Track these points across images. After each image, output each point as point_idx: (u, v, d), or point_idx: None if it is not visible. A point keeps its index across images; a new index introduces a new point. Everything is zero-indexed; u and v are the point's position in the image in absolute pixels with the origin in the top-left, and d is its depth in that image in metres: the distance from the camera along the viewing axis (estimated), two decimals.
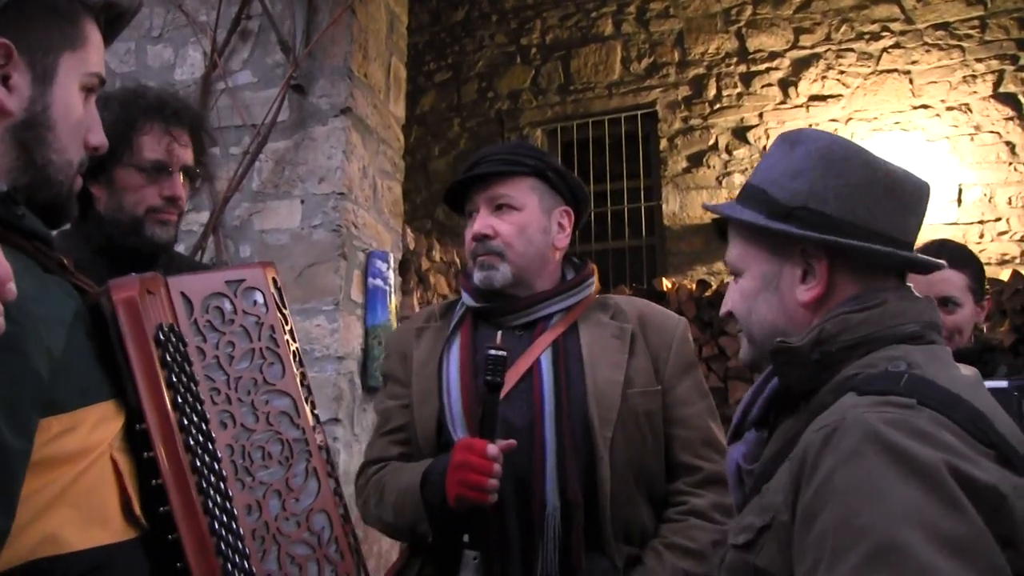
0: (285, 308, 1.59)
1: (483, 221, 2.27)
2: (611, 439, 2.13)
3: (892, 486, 1.14)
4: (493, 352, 2.02)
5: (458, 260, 6.44)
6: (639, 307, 2.37)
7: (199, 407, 1.36)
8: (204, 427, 1.35)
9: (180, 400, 1.32)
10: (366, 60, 4.87)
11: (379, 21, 5.06)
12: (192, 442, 1.32)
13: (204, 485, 1.31)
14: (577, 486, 2.10)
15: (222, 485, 1.35)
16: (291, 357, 1.56)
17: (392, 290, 4.86)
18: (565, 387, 2.17)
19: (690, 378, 2.30)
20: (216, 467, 1.35)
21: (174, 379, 1.32)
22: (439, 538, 2.13)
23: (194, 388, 1.36)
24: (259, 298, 1.54)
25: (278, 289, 1.59)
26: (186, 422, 1.32)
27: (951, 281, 2.90)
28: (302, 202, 4.61)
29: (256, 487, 1.42)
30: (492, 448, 1.98)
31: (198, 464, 1.31)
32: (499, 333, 2.11)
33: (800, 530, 1.23)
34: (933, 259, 1.52)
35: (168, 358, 1.32)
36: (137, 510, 1.24)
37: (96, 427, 1.20)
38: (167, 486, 1.27)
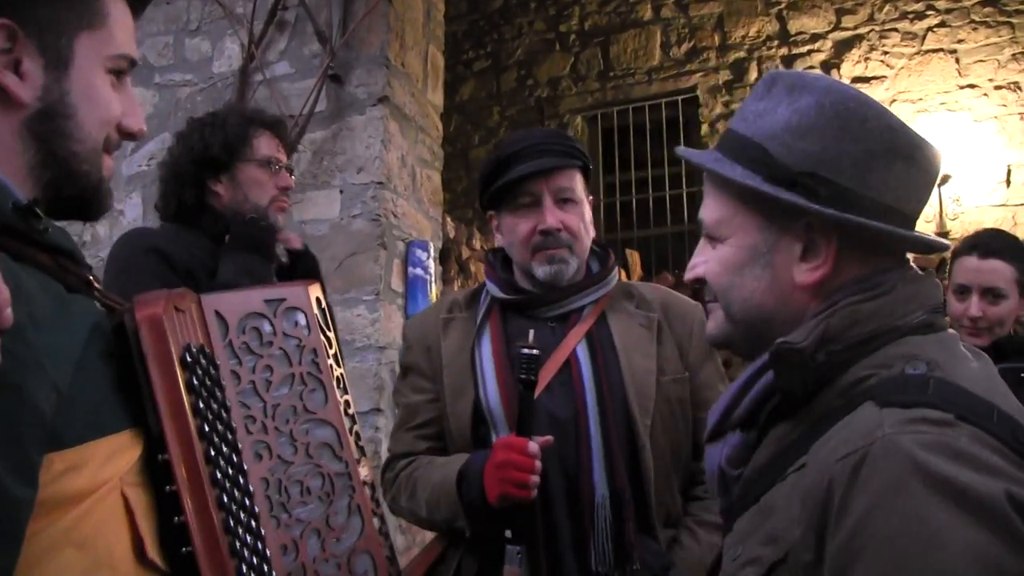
0: (330, 330, 1.49)
1: (554, 215, 2.24)
2: (650, 427, 2.17)
3: (946, 528, 0.98)
4: (526, 352, 2.02)
5: None
6: (660, 295, 2.41)
7: (230, 436, 1.24)
8: (235, 459, 1.24)
9: (208, 428, 1.20)
10: (403, 49, 4.86)
11: (415, 9, 5.05)
12: (220, 475, 1.19)
13: (232, 524, 1.18)
14: (624, 474, 2.13)
15: (253, 524, 1.23)
16: (335, 383, 1.46)
17: (432, 279, 4.86)
18: (604, 377, 2.20)
19: (711, 362, 2.36)
20: (248, 503, 1.24)
21: (202, 405, 1.20)
22: (478, 533, 2.15)
23: (225, 416, 1.25)
24: (301, 319, 1.43)
25: (322, 309, 1.49)
26: (213, 453, 1.19)
27: (1001, 272, 2.85)
28: (341, 192, 4.62)
29: (293, 525, 1.31)
30: (533, 445, 2.01)
31: (226, 500, 1.19)
32: (531, 332, 2.08)
33: None
34: (942, 240, 1.34)
35: (196, 382, 1.20)
36: (150, 552, 1.11)
37: (107, 461, 1.09)
38: (189, 524, 1.14)
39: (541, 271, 2.25)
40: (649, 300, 2.35)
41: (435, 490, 2.17)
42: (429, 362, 2.34)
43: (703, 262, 1.39)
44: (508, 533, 2.03)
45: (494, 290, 2.35)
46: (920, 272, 1.31)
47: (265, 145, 2.69)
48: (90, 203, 1.26)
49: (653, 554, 2.12)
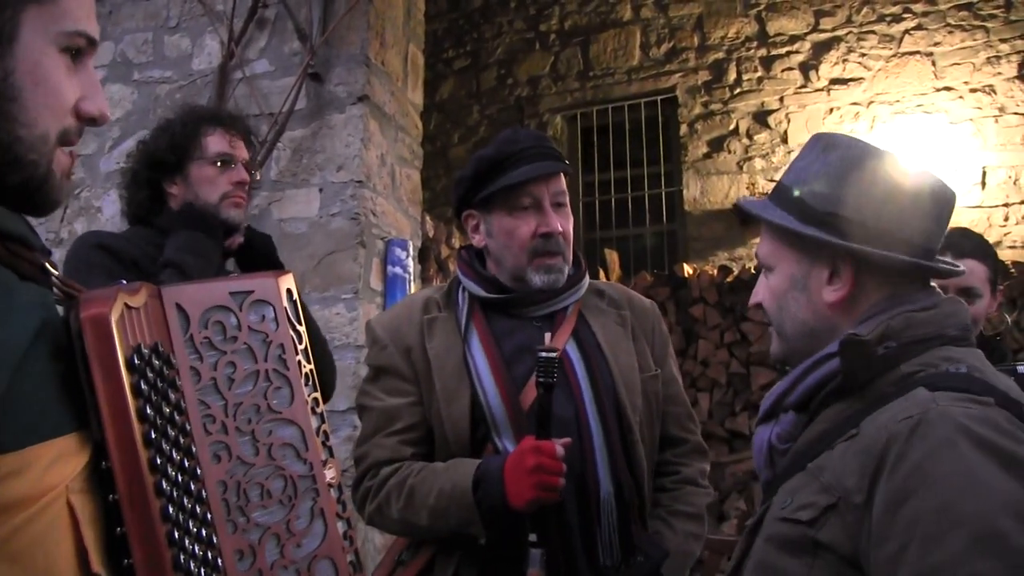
0: (300, 324, 1.42)
1: (554, 220, 2.26)
2: (639, 422, 2.22)
3: (990, 478, 1.21)
4: (545, 354, 2.01)
5: None
6: (624, 292, 2.47)
7: (182, 441, 1.17)
8: (187, 464, 1.17)
9: (155, 434, 1.12)
10: (383, 47, 4.86)
11: (396, 8, 5.05)
12: (166, 484, 1.12)
13: (177, 535, 1.12)
14: (626, 470, 2.18)
15: (204, 532, 1.17)
16: (302, 381, 1.39)
17: (411, 278, 4.86)
18: (597, 375, 2.22)
19: (671, 357, 2.45)
20: (199, 511, 1.17)
21: (149, 411, 1.12)
22: (494, 539, 2.11)
23: (178, 419, 1.18)
24: (269, 313, 1.36)
25: (293, 302, 1.42)
26: (160, 461, 1.12)
27: (975, 273, 2.86)
28: (320, 190, 4.61)
29: (251, 529, 1.25)
30: (560, 448, 2.01)
31: (171, 511, 1.11)
32: (547, 335, 2.12)
33: (884, 514, 1.28)
34: (954, 267, 1.60)
35: (144, 386, 1.12)
36: (95, 565, 1.05)
37: (51, 466, 1.02)
38: (130, 536, 1.08)
39: (538, 279, 2.25)
40: (616, 298, 2.40)
41: (442, 497, 2.10)
42: (410, 364, 2.28)
43: (761, 291, 1.69)
44: (533, 536, 2.02)
45: (475, 289, 2.33)
46: (958, 299, 1.60)
47: (216, 142, 2.69)
48: (34, 195, 1.13)
49: (652, 544, 2.17)
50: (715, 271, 6.92)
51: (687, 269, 7.03)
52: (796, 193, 1.60)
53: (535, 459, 1.98)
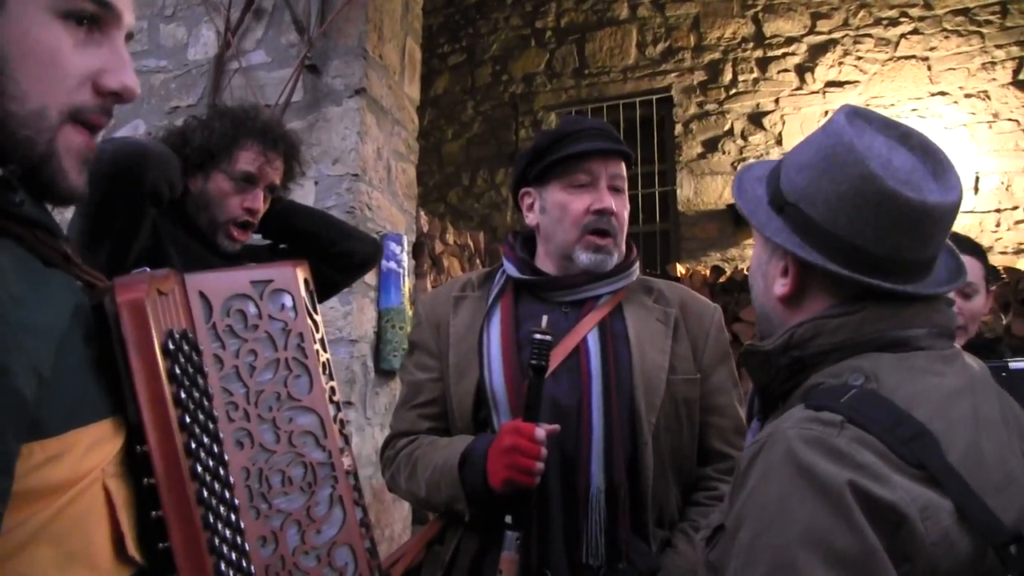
0: (317, 313, 1.42)
1: (608, 198, 2.24)
2: (654, 425, 2.14)
3: (795, 506, 1.17)
4: (539, 337, 2.00)
5: (471, 243, 6.40)
6: (679, 292, 2.38)
7: (211, 427, 1.19)
8: (216, 449, 1.18)
9: (189, 419, 1.14)
10: (381, 41, 4.83)
11: (394, 1, 5.02)
12: (200, 468, 1.14)
13: (211, 519, 1.13)
14: (623, 469, 2.10)
15: (233, 517, 1.18)
16: (320, 369, 1.39)
17: (405, 273, 4.84)
18: (613, 368, 2.16)
19: (725, 366, 2.32)
20: (227, 496, 1.18)
21: (183, 395, 1.13)
22: (477, 517, 2.12)
23: (207, 405, 1.19)
24: (288, 301, 1.37)
25: (310, 292, 1.43)
26: (194, 445, 1.14)
27: (971, 269, 2.85)
28: (316, 183, 4.58)
29: (273, 516, 1.26)
30: (540, 432, 1.98)
31: (205, 494, 1.13)
32: (544, 317, 2.05)
33: (727, 541, 1.28)
34: (905, 289, 1.38)
35: (178, 371, 1.14)
36: (131, 548, 1.05)
37: (89, 451, 1.01)
38: (168, 519, 1.09)
39: (585, 257, 2.24)
40: (667, 296, 2.33)
41: (436, 471, 2.14)
42: (437, 340, 2.33)
43: None
44: (508, 519, 2.01)
45: (511, 270, 2.33)
46: (923, 295, 1.40)
47: (247, 159, 2.60)
48: (38, 178, 1.06)
49: (641, 554, 2.10)
50: (708, 271, 6.92)
51: (680, 269, 7.04)
52: (778, 171, 1.49)
53: (511, 439, 1.98)
